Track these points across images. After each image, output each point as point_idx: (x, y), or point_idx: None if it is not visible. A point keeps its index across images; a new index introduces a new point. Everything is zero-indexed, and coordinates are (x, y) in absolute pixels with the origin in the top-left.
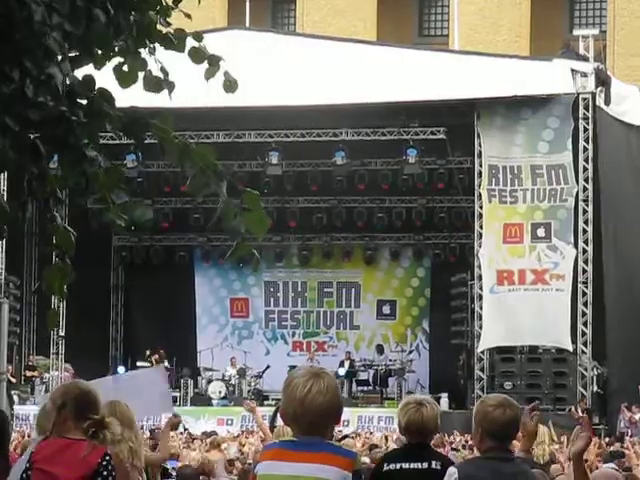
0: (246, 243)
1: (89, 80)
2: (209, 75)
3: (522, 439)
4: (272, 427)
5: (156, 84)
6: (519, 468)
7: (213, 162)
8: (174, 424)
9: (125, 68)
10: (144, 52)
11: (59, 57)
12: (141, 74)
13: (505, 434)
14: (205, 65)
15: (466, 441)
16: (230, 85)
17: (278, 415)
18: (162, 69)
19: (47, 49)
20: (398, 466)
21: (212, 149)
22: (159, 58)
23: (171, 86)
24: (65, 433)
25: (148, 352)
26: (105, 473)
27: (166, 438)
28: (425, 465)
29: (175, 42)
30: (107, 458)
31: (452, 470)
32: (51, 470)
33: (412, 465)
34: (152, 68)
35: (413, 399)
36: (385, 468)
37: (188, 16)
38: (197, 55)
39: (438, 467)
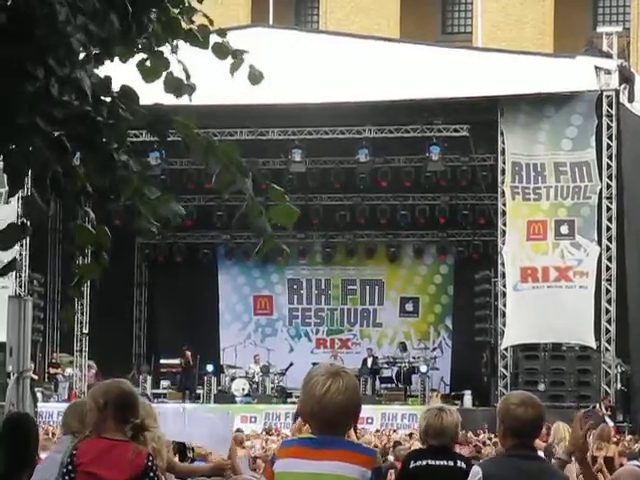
0: (272, 238)
1: (107, 80)
2: (234, 69)
3: (568, 442)
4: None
5: (177, 86)
6: (542, 466)
7: (237, 159)
8: (239, 440)
9: (148, 64)
10: (167, 51)
11: (82, 56)
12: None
13: (528, 431)
14: (229, 61)
15: (489, 438)
16: (255, 77)
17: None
18: (184, 70)
19: (70, 48)
20: (424, 462)
21: (235, 146)
22: (182, 58)
23: (192, 89)
24: (104, 433)
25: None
26: (152, 475)
27: (235, 454)
28: (451, 463)
29: (199, 38)
30: (151, 459)
31: (476, 469)
32: (97, 472)
33: (438, 462)
34: (174, 69)
35: (434, 406)
36: (412, 465)
37: (211, 22)
38: (221, 50)
39: (463, 466)
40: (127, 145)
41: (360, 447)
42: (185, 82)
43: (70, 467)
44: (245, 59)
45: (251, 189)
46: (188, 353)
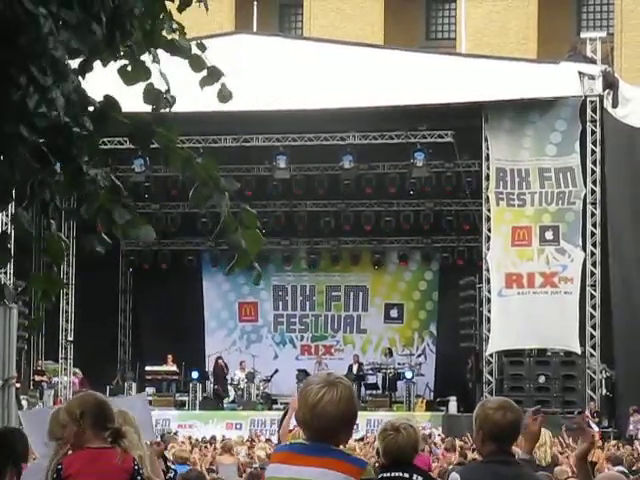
0: (246, 255)
1: (83, 91)
2: (204, 84)
3: (524, 441)
4: (279, 429)
5: (156, 98)
6: (520, 471)
7: (216, 175)
8: (228, 447)
9: (129, 69)
10: (148, 60)
11: (65, 65)
12: (143, 84)
13: (506, 437)
14: (204, 73)
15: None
16: (224, 96)
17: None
18: (165, 81)
19: (53, 58)
20: (379, 476)
21: (215, 162)
22: (167, 62)
23: (171, 101)
24: (86, 443)
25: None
26: (139, 478)
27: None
28: (407, 475)
29: (179, 49)
30: (137, 463)
31: (454, 476)
32: None
33: (393, 474)
34: (155, 79)
35: (390, 425)
36: None
37: (183, 33)
38: (196, 63)
39: (420, 479)
40: (98, 157)
41: (349, 457)
42: (164, 95)
43: None
44: (221, 79)
45: (228, 205)
46: (169, 356)
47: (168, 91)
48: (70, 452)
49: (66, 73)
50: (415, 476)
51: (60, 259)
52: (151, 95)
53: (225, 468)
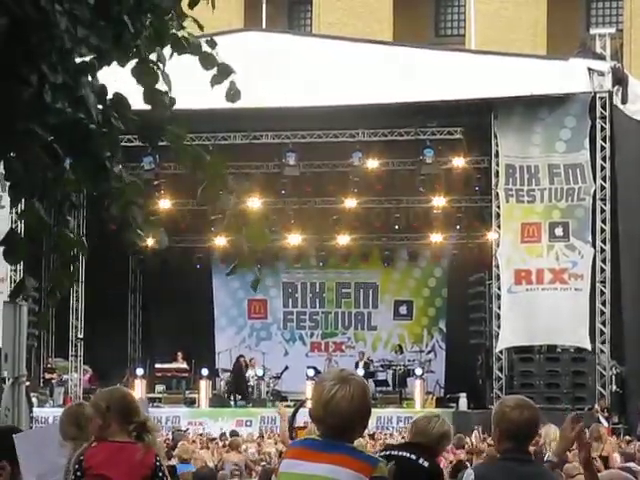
0: (248, 257)
1: (103, 88)
2: (215, 82)
3: (558, 443)
4: (291, 427)
5: (155, 98)
6: (536, 469)
7: (224, 174)
8: (236, 445)
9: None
10: (154, 59)
11: (79, 62)
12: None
13: (522, 435)
14: (214, 71)
15: (483, 439)
16: (233, 95)
17: (296, 416)
18: (165, 79)
19: (64, 55)
20: (387, 452)
21: (224, 160)
22: (178, 59)
23: (171, 102)
24: (110, 437)
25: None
26: (161, 474)
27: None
28: (413, 457)
29: (188, 46)
30: (159, 459)
31: (468, 472)
32: (108, 474)
33: (400, 453)
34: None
35: (430, 412)
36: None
37: (201, 28)
38: (207, 61)
39: (425, 464)
40: (119, 154)
41: (362, 454)
42: (164, 95)
43: (79, 473)
44: (230, 76)
45: (234, 205)
46: (179, 354)
47: (167, 92)
48: (94, 445)
49: (79, 70)
50: (422, 460)
51: (85, 253)
52: (150, 95)
53: (231, 466)
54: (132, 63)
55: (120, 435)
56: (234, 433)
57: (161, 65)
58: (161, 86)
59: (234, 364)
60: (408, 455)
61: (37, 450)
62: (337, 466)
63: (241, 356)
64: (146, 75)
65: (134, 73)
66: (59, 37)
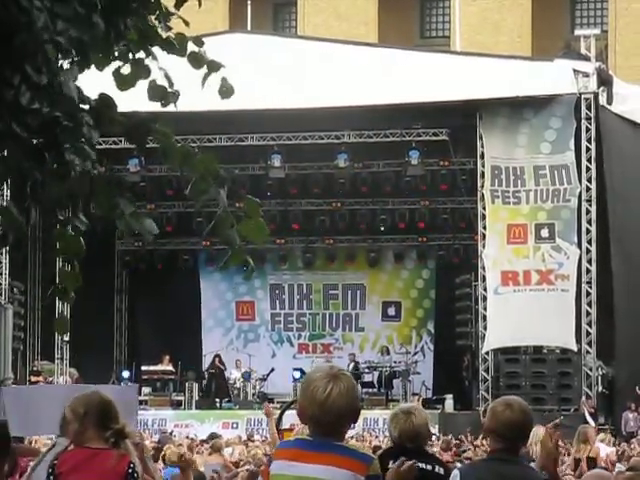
0: (240, 251)
1: (79, 89)
2: (205, 80)
3: (540, 456)
4: (277, 429)
5: (162, 94)
6: (523, 471)
7: (215, 169)
8: (217, 447)
9: (124, 70)
10: (147, 59)
11: (64, 63)
12: (145, 81)
13: (512, 435)
14: (204, 70)
15: (471, 442)
16: (226, 91)
17: (283, 417)
18: (166, 77)
19: (48, 55)
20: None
21: (214, 156)
22: (162, 65)
23: (175, 96)
24: (86, 442)
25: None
26: None
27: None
28: (429, 467)
29: (176, 46)
30: (132, 466)
31: (455, 473)
32: None
33: (418, 465)
34: (156, 76)
35: (400, 409)
36: (390, 465)
37: (186, 23)
38: (196, 60)
39: (441, 471)
40: (86, 143)
41: (355, 453)
42: (169, 90)
43: (52, 478)
44: (220, 71)
45: (225, 200)
46: (166, 357)
47: (171, 85)
48: (70, 449)
49: (60, 69)
50: (437, 468)
51: (81, 254)
52: (157, 92)
53: (211, 468)
54: (113, 66)
55: (96, 441)
56: (214, 435)
57: (156, 62)
58: (162, 81)
59: (209, 364)
60: (424, 467)
61: (26, 406)
62: (332, 467)
63: (217, 356)
64: (140, 74)
65: (115, 77)
66: (40, 36)
